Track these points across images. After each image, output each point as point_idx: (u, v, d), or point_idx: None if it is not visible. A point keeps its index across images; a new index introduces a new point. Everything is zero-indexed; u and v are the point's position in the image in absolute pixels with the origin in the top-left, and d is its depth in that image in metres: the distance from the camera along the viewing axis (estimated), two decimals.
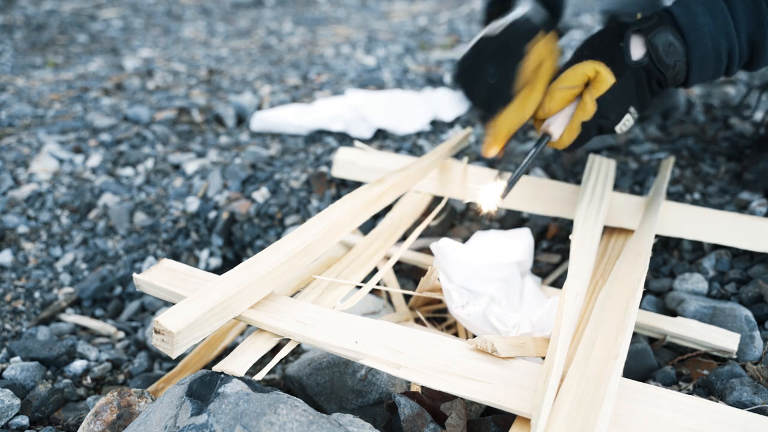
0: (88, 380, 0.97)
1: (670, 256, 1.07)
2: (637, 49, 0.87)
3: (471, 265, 0.90)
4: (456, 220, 1.25)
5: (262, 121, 1.69)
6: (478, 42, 0.89)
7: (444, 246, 0.92)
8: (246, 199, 1.35)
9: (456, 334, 0.96)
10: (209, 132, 1.77)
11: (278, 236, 1.29)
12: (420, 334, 0.71)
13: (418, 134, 1.55)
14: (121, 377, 1.02)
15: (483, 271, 0.90)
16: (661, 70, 0.86)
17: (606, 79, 0.86)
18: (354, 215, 0.89)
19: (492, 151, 0.91)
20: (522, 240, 0.97)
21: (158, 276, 0.77)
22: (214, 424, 0.58)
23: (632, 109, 0.89)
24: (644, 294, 0.97)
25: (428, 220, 1.01)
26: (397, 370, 0.66)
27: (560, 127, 0.90)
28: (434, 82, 2.01)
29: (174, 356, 0.65)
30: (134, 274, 0.78)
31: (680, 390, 0.80)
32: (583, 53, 0.89)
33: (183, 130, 1.76)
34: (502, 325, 0.84)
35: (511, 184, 0.89)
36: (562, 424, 0.57)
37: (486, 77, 0.87)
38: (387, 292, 1.07)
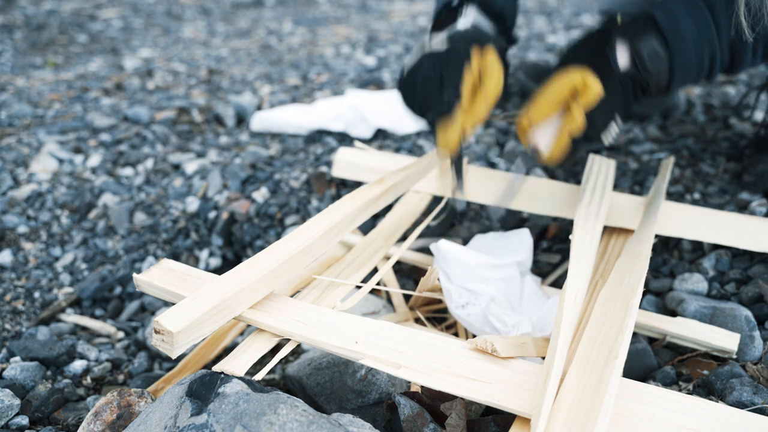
0: (88, 380, 0.97)
1: (670, 256, 1.07)
2: (623, 57, 0.86)
3: (471, 265, 0.90)
4: (456, 220, 1.25)
5: (262, 121, 1.69)
6: (421, 57, 0.89)
7: (444, 246, 0.92)
8: (246, 199, 1.35)
9: (456, 334, 0.96)
10: (209, 132, 1.77)
11: (278, 236, 1.29)
12: (420, 334, 0.71)
13: (418, 134, 1.54)
14: (121, 377, 1.02)
15: (483, 271, 0.90)
16: (645, 78, 0.86)
17: (594, 89, 0.85)
18: (354, 215, 0.89)
19: (444, 155, 0.92)
20: (522, 240, 0.97)
21: (158, 276, 0.77)
22: (214, 424, 0.58)
23: (617, 117, 0.89)
24: (644, 294, 0.97)
25: (428, 220, 1.01)
26: (397, 370, 0.66)
27: (549, 141, 0.89)
28: None
29: (174, 356, 0.65)
30: (134, 274, 0.78)
31: (680, 390, 0.80)
32: (569, 60, 0.88)
33: (183, 130, 1.76)
34: (502, 325, 0.84)
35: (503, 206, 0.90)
36: (562, 424, 0.57)
37: (429, 89, 0.87)
38: (387, 292, 1.07)
